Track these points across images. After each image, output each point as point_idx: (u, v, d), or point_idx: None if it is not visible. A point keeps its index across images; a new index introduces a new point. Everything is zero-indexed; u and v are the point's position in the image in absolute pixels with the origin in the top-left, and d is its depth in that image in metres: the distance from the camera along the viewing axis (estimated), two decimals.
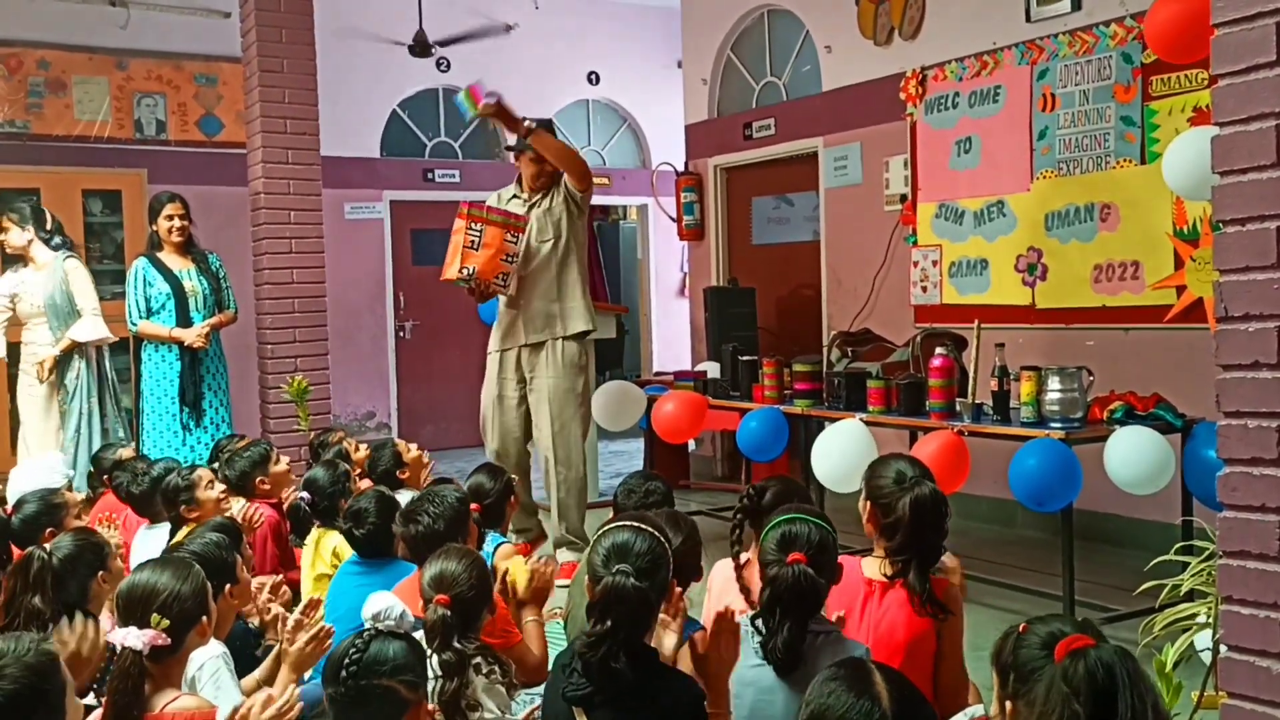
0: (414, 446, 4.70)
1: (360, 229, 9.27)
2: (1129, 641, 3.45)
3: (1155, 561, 3.36)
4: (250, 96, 6.66)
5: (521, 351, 5.35)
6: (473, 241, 5.10)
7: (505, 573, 3.28)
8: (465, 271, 5.11)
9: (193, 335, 5.67)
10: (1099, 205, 5.58)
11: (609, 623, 2.18)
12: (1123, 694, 1.65)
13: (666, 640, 2.51)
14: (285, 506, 4.32)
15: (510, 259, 5.16)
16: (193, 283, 5.77)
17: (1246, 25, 2.02)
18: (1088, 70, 5.60)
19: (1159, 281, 5.33)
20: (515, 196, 5.42)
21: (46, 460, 5.22)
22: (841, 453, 4.62)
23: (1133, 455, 4.03)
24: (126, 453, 5.16)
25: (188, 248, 5.84)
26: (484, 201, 5.38)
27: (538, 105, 9.88)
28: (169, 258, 5.78)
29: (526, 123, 5.05)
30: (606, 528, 2.43)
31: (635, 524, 2.40)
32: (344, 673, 2.02)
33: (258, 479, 4.33)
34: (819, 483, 4.84)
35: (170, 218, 5.74)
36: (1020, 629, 1.89)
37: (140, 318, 5.70)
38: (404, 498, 4.19)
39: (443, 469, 7.43)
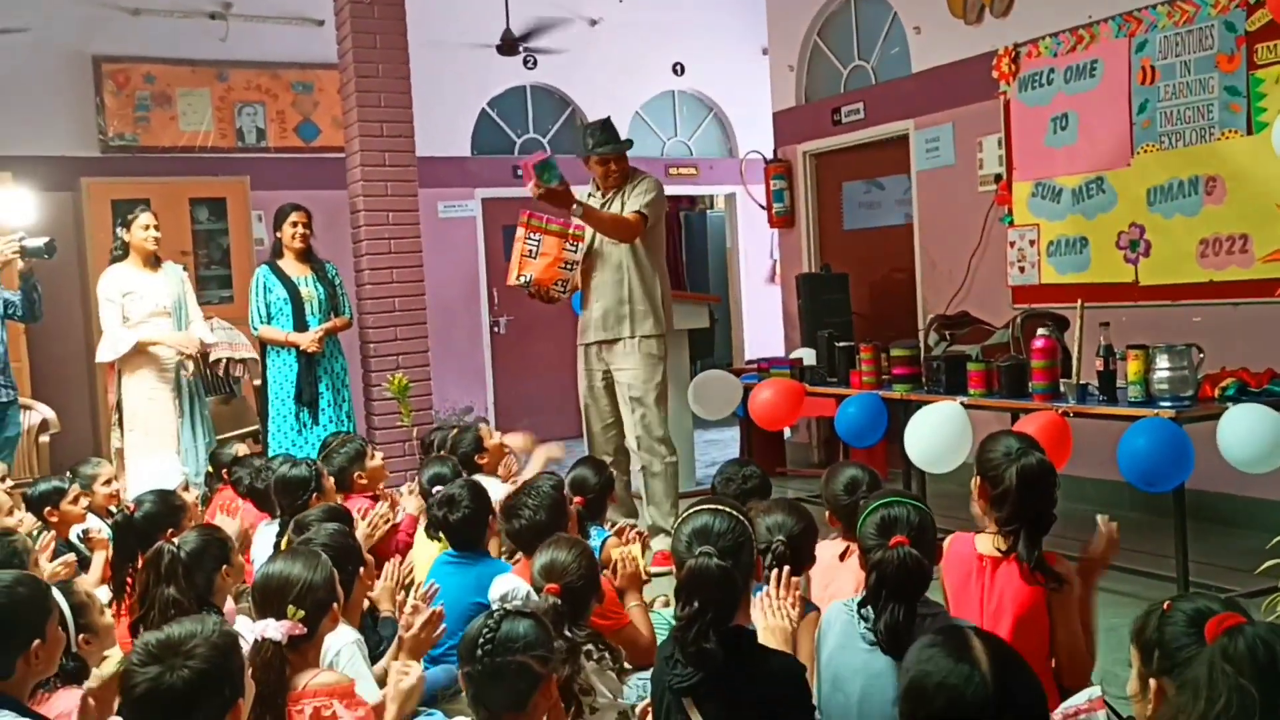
0: (497, 434, 4.87)
1: (453, 227, 9.44)
2: None
3: (1277, 540, 3.29)
4: (347, 102, 6.82)
5: (600, 346, 5.50)
6: (530, 250, 5.40)
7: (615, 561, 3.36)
8: (523, 279, 5.42)
9: (307, 340, 5.87)
10: (1203, 178, 5.44)
11: (696, 604, 2.24)
12: None
13: (778, 625, 2.55)
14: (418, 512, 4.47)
15: (569, 266, 5.43)
16: (309, 289, 5.98)
17: None
18: (1189, 40, 5.45)
19: (1269, 254, 5.18)
20: (591, 195, 5.56)
21: (164, 462, 5.40)
22: (934, 434, 4.60)
23: (1248, 433, 3.92)
24: (243, 449, 5.35)
25: (307, 255, 6.06)
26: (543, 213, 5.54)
27: (624, 98, 10.00)
28: (288, 264, 6.02)
29: (574, 207, 5.19)
30: (687, 513, 2.52)
31: (714, 506, 2.49)
32: (479, 650, 2.11)
33: (355, 474, 4.56)
34: (915, 466, 4.82)
35: (295, 224, 6.00)
36: (1165, 607, 1.87)
37: (261, 322, 5.94)
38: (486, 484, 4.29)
39: None
